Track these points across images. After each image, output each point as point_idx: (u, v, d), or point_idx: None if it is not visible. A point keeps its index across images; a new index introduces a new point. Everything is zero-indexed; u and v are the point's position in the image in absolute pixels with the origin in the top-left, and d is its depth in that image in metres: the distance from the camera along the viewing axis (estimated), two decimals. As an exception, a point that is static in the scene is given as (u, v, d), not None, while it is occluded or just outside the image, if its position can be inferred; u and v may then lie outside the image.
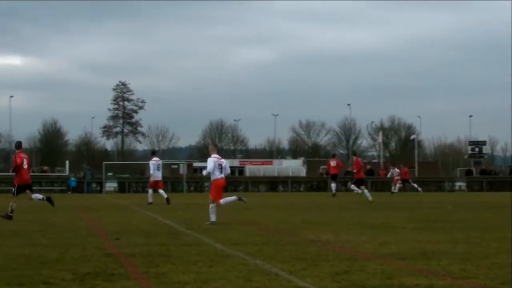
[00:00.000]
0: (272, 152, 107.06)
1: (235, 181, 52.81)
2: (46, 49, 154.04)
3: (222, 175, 16.85)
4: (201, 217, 17.17)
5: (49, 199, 18.81)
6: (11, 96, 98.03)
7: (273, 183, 53.70)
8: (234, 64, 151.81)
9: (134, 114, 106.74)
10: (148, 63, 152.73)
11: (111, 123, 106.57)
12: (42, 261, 9.42)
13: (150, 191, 28.45)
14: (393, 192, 41.76)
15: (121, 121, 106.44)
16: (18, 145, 19.54)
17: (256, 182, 54.11)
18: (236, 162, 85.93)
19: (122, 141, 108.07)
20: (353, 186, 31.71)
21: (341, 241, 12.15)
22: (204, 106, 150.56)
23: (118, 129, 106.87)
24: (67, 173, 57.28)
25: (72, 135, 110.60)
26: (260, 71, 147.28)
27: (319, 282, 7.81)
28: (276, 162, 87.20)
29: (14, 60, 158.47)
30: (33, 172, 65.56)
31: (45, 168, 66.77)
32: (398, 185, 43.13)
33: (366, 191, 29.80)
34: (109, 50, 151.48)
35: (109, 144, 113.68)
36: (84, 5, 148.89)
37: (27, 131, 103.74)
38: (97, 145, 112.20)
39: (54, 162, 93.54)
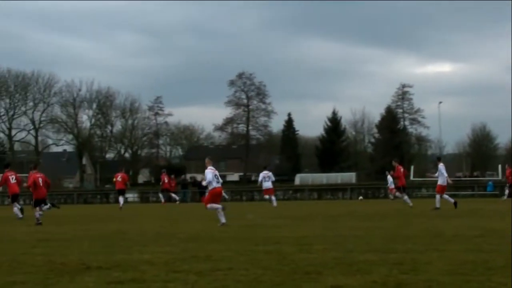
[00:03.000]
0: None
1: None
2: (474, 55, 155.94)
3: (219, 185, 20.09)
4: None
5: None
6: (440, 102, 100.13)
7: None
8: None
9: None
10: None
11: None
12: (488, 267, 9.25)
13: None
14: None
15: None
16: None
17: None
18: None
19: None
20: None
21: None
22: None
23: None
24: (499, 177, 56.05)
25: (502, 138, 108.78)
26: None
27: None
28: None
29: (444, 67, 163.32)
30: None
31: (475, 173, 66.83)
32: None
33: None
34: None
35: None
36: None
37: (456, 136, 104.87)
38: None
39: (485, 166, 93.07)
